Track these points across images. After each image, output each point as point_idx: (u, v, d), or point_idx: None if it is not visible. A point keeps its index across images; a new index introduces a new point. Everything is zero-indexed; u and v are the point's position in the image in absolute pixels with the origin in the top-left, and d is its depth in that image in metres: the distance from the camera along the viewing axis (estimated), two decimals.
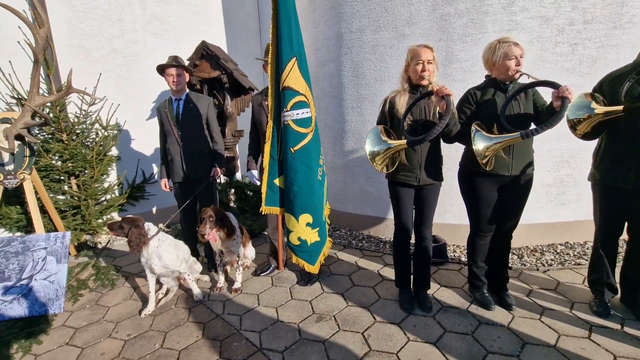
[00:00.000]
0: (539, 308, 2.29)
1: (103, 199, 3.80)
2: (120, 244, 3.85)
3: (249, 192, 4.23)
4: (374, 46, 3.39)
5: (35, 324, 2.39)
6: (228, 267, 3.02)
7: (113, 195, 3.94)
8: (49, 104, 3.31)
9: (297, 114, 1.90)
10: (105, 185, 3.79)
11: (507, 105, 1.96)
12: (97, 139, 3.76)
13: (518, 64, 1.94)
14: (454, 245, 3.36)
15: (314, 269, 2.16)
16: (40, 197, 2.95)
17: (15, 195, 3.43)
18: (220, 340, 2.16)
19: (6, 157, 2.59)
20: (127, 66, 4.15)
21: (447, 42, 3.07)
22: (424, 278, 2.39)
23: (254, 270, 3.06)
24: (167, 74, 2.81)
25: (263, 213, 2.12)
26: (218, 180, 3.12)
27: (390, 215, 3.64)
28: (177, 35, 4.50)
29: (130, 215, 2.43)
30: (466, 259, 2.58)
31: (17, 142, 2.60)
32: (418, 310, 2.32)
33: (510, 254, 2.45)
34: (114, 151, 3.99)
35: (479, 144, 1.80)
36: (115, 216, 4.06)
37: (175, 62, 2.82)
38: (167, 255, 2.47)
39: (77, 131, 3.62)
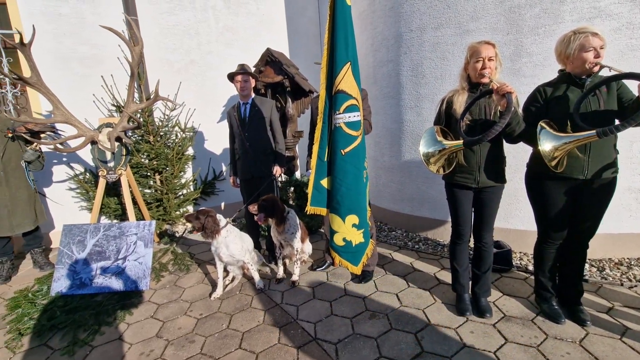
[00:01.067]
0: (620, 327, 2.06)
1: (180, 193, 4.27)
2: (193, 234, 4.31)
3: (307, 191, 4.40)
4: (434, 44, 3.32)
5: (127, 297, 2.81)
6: (287, 260, 3.21)
7: (188, 191, 4.41)
8: (140, 110, 3.84)
9: (349, 117, 1.97)
10: (183, 181, 4.26)
11: (583, 101, 1.80)
12: (176, 140, 4.25)
13: (597, 56, 1.77)
14: (520, 252, 3.14)
15: (357, 269, 2.21)
16: (132, 191, 3.44)
17: (113, 189, 4.04)
18: (279, 327, 2.32)
19: (108, 155, 3.08)
20: (202, 75, 4.60)
21: (516, 35, 2.89)
22: (484, 285, 2.29)
23: (310, 265, 3.20)
24: (235, 80, 3.09)
25: (308, 213, 2.23)
26: (279, 178, 3.33)
27: (449, 218, 3.52)
28: (245, 44, 4.86)
29: (203, 208, 2.73)
30: (533, 268, 2.41)
31: (116, 143, 3.08)
32: (476, 317, 2.24)
33: (586, 265, 2.23)
34: (190, 151, 4.46)
35: (546, 144, 1.68)
36: (190, 209, 4.55)
37: (242, 70, 3.08)
38: (233, 245, 2.73)
39: (161, 133, 4.12)
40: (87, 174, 4.08)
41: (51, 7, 3.76)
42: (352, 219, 2.12)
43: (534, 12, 2.78)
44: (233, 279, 3.01)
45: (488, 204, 2.11)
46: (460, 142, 1.86)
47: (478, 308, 2.26)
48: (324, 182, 2.16)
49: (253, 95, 3.21)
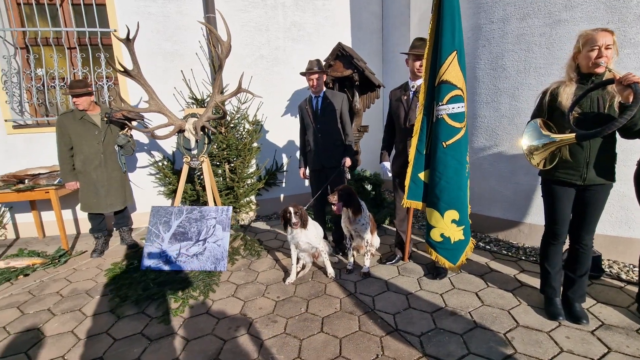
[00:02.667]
0: None
1: (246, 183, 4.46)
2: (258, 223, 4.49)
3: (367, 186, 4.40)
4: (518, 35, 3.15)
5: (208, 276, 3.00)
6: (354, 252, 3.23)
7: (251, 181, 4.58)
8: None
9: (453, 108, 1.93)
10: (250, 170, 4.44)
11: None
12: (243, 133, 4.44)
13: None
14: (609, 260, 2.91)
15: (454, 267, 2.17)
16: (208, 177, 3.65)
17: (188, 176, 4.32)
18: (358, 316, 2.36)
19: (192, 143, 3.30)
20: (269, 69, 4.76)
21: (619, 24, 2.66)
22: (579, 289, 2.15)
23: (378, 259, 3.21)
24: (308, 77, 3.16)
25: (404, 206, 2.22)
26: (347, 170, 3.36)
27: (526, 220, 3.35)
28: (311, 39, 4.94)
29: (292, 203, 2.84)
30: (627, 277, 2.22)
31: (200, 132, 3.29)
32: (570, 323, 2.11)
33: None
34: (255, 143, 4.64)
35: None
36: (253, 199, 4.73)
37: (317, 67, 3.14)
38: (311, 232, 2.81)
39: (232, 125, 4.33)
40: (165, 161, 4.40)
41: (142, 6, 4.09)
42: (452, 214, 2.08)
43: None
44: (304, 266, 3.10)
45: (593, 203, 1.97)
46: (572, 135, 1.76)
47: (572, 314, 2.13)
48: (422, 175, 2.15)
49: (324, 89, 3.27)
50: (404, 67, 5.55)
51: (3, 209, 4.15)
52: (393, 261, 3.07)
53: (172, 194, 4.33)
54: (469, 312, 2.30)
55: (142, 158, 4.42)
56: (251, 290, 2.80)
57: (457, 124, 1.96)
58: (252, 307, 2.54)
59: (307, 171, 3.47)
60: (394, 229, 3.22)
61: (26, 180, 3.46)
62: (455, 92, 1.92)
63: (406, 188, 2.19)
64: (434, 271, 2.80)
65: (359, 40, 5.40)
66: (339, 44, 3.85)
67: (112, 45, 4.13)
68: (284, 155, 5.05)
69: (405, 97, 2.74)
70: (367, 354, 1.97)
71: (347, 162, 3.18)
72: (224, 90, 4.24)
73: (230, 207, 3.27)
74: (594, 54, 1.84)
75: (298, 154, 5.10)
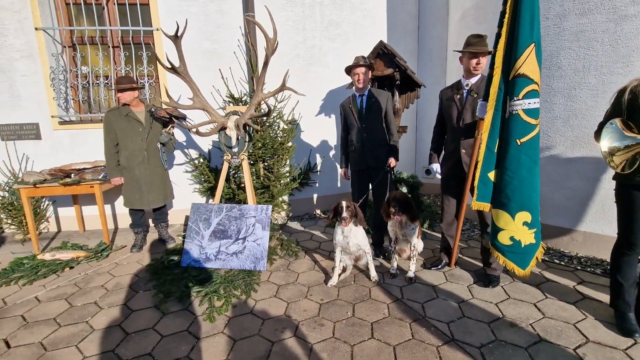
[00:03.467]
0: None
1: (279, 183, 4.43)
2: (291, 223, 4.45)
3: (403, 188, 4.28)
4: (577, 32, 2.98)
5: (248, 275, 2.96)
6: (396, 256, 3.13)
7: (284, 181, 4.54)
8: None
9: (529, 103, 1.82)
10: (284, 170, 4.41)
11: None
12: (278, 131, 4.41)
13: None
14: None
15: (524, 273, 2.04)
16: (248, 176, 3.63)
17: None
18: (409, 323, 2.25)
19: (233, 141, 3.29)
20: (305, 68, 4.72)
21: None
22: None
23: (422, 263, 3.09)
24: (354, 72, 3.08)
25: (474, 209, 2.11)
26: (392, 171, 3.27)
27: (580, 228, 3.15)
28: (347, 38, 4.88)
29: (344, 199, 2.77)
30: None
31: (242, 130, 3.27)
32: None
33: None
34: (289, 143, 4.60)
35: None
36: (286, 198, 4.70)
37: (363, 62, 3.06)
38: (360, 234, 2.73)
39: (267, 124, 4.31)
40: (201, 159, 4.42)
41: (184, 6, 4.13)
42: (524, 216, 1.96)
43: None
44: (344, 269, 3.02)
45: None
46: None
47: None
48: (491, 175, 2.03)
49: (369, 86, 3.19)
50: (440, 66, 5.44)
51: (47, 202, 4.27)
52: (439, 267, 2.94)
53: (207, 191, 4.35)
54: (530, 324, 2.16)
55: (179, 156, 4.46)
56: (293, 291, 2.74)
57: (532, 121, 1.84)
58: (296, 309, 2.48)
59: (349, 171, 3.39)
60: (433, 233, 3.10)
61: (72, 175, 3.54)
62: (531, 87, 1.81)
63: (475, 189, 2.07)
64: (485, 279, 2.67)
65: (394, 40, 5.29)
66: (381, 41, 3.77)
67: (153, 43, 4.19)
68: (317, 156, 5.00)
69: (458, 96, 2.63)
70: None
71: (393, 162, 3.09)
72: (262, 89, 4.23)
73: (270, 207, 3.23)
74: None
75: (331, 154, 5.07)
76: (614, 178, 2.00)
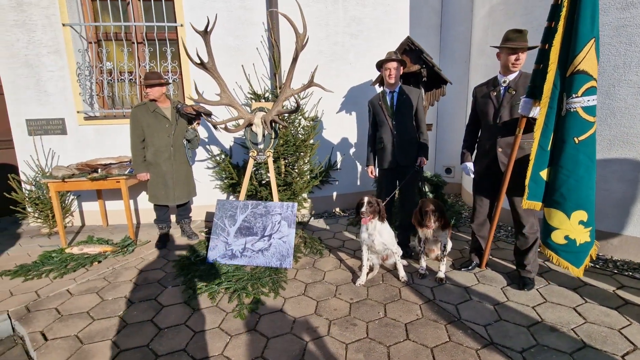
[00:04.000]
0: None
1: (302, 180, 4.40)
2: (312, 220, 4.43)
3: (426, 187, 4.21)
4: (617, 27, 2.87)
5: (274, 272, 2.94)
6: (424, 256, 3.07)
7: (306, 178, 4.50)
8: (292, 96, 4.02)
9: (588, 100, 1.76)
10: (305, 168, 4.38)
11: None
12: (299, 128, 4.38)
13: None
14: None
15: (578, 272, 1.98)
16: (273, 173, 3.61)
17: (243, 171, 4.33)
18: (444, 325, 2.21)
19: (259, 137, 3.27)
20: (327, 65, 4.67)
21: None
22: None
23: (451, 264, 3.03)
24: (385, 67, 3.02)
25: (524, 207, 2.06)
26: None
27: (617, 230, 3.05)
28: (370, 34, 4.81)
29: (367, 196, 2.73)
30: None
31: (269, 127, 3.24)
32: None
33: None
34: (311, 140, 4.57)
35: None
36: (305, 196, 4.67)
37: (395, 57, 3.01)
38: (386, 233, 2.69)
39: (289, 120, 4.29)
40: (223, 155, 4.42)
41: (208, 1, 4.12)
42: (580, 215, 1.90)
43: None
44: (371, 268, 2.98)
45: None
46: None
47: None
48: (544, 174, 1.98)
49: (399, 83, 3.13)
50: (463, 64, 5.33)
51: (72, 197, 4.33)
52: (469, 267, 2.88)
53: (229, 188, 4.35)
54: (572, 329, 2.09)
55: (200, 152, 4.46)
56: (321, 290, 2.71)
57: (590, 118, 1.77)
58: (326, 308, 2.45)
59: (376, 169, 3.34)
60: (458, 233, 3.04)
61: (99, 170, 3.57)
62: (591, 84, 1.74)
63: (526, 188, 2.01)
64: (520, 281, 2.60)
65: (416, 37, 5.16)
66: (408, 37, 3.70)
67: (177, 39, 4.20)
68: (337, 153, 4.96)
69: (495, 93, 2.55)
70: None
71: (424, 162, 3.04)
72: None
73: (296, 204, 3.21)
74: None
75: (352, 151, 5.02)
76: None
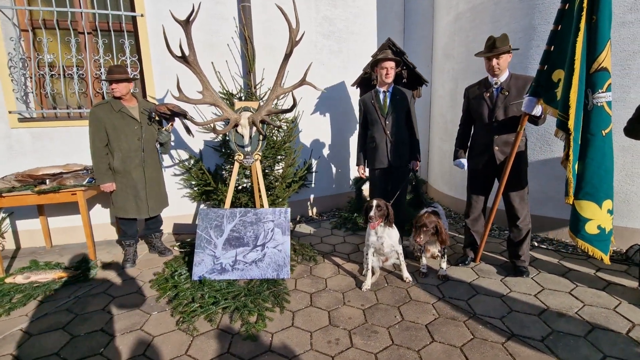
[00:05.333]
0: None
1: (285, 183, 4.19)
2: (300, 226, 4.24)
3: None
4: None
5: (272, 285, 2.72)
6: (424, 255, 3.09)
7: (289, 180, 4.28)
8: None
9: (610, 95, 1.90)
10: (282, 171, 4.17)
11: None
12: (274, 130, 4.17)
13: None
14: None
15: (606, 258, 2.12)
16: (261, 177, 3.36)
17: (218, 176, 3.99)
18: (463, 322, 2.21)
19: (247, 139, 3.01)
20: (300, 65, 4.52)
21: None
22: None
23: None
24: (381, 67, 2.99)
25: (568, 203, 2.15)
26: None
27: None
28: (340, 35, 4.79)
29: (377, 199, 2.65)
30: None
31: (254, 128, 3.01)
32: None
33: None
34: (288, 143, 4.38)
35: None
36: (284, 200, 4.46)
37: (391, 56, 2.99)
38: (395, 234, 2.64)
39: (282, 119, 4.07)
40: (192, 160, 4.03)
41: None
42: (608, 204, 2.03)
43: None
44: (373, 271, 2.91)
45: None
46: None
47: None
48: (577, 167, 2.08)
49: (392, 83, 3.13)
50: (425, 67, 5.57)
51: (2, 215, 3.58)
52: (466, 262, 2.96)
53: (200, 196, 3.97)
54: (576, 313, 2.23)
55: (165, 157, 4.01)
56: (328, 298, 2.57)
57: (611, 112, 1.92)
58: (340, 318, 2.32)
59: (366, 169, 3.30)
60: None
61: (47, 181, 2.99)
62: (610, 80, 1.88)
63: (571, 185, 2.09)
64: (516, 271, 2.73)
65: (383, 39, 5.32)
66: (389, 39, 3.73)
67: (135, 31, 3.72)
68: (312, 155, 4.83)
69: (488, 94, 2.66)
70: None
71: (417, 165, 3.09)
72: (260, 85, 3.99)
73: (289, 209, 3.02)
74: None
75: (326, 153, 4.93)
76: None
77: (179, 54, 2.62)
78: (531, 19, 3.46)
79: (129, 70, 3.74)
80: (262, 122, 2.97)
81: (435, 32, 5.34)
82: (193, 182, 3.98)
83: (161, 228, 3.44)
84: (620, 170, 3.07)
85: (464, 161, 2.89)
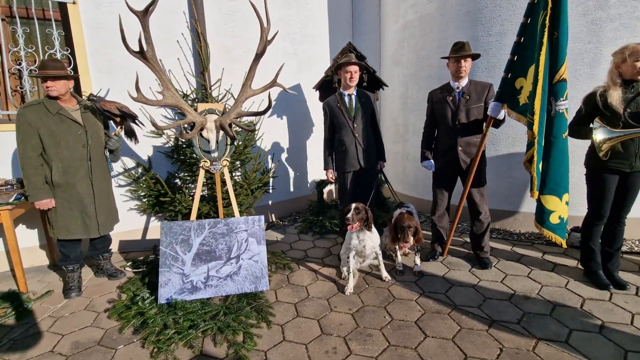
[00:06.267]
0: None
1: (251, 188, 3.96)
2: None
3: None
4: None
5: (251, 298, 2.56)
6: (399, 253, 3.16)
7: (255, 186, 4.05)
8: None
9: (567, 103, 2.14)
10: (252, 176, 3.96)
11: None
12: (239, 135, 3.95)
13: None
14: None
15: (564, 243, 2.38)
16: (230, 184, 3.13)
17: (172, 185, 3.64)
18: (447, 314, 2.33)
19: (213, 144, 2.78)
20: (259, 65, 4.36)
21: (596, 44, 3.29)
22: (616, 261, 2.56)
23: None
24: (346, 70, 3.02)
25: (534, 198, 2.36)
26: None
27: (521, 209, 3.82)
28: (294, 37, 4.74)
29: (356, 203, 2.64)
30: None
31: (221, 132, 2.80)
32: (616, 290, 2.48)
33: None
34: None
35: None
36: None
37: (355, 60, 3.03)
38: (375, 237, 2.67)
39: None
40: (140, 168, 3.61)
41: None
42: (566, 196, 2.28)
43: (614, 25, 3.21)
44: (353, 273, 2.92)
45: (635, 187, 2.38)
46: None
47: (615, 282, 2.51)
48: (541, 166, 2.29)
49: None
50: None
51: None
52: (435, 257, 3.13)
53: (151, 208, 3.57)
54: (538, 294, 2.51)
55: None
56: (314, 307, 2.50)
57: (568, 117, 2.18)
58: (331, 325, 2.28)
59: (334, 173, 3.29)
60: None
61: None
62: (567, 90, 2.14)
63: (535, 181, 2.30)
64: (480, 262, 2.97)
65: (334, 42, 5.41)
66: (349, 43, 3.79)
67: (65, 20, 3.20)
68: (270, 160, 4.68)
69: (451, 98, 2.85)
70: (491, 350, 1.96)
71: (382, 164, 3.18)
72: (218, 85, 3.74)
73: (262, 217, 2.86)
74: (639, 64, 2.22)
75: (284, 157, 4.83)
76: (587, 165, 2.51)
77: (134, 49, 2.30)
78: (475, 31, 3.81)
79: None
80: (231, 125, 2.77)
81: (383, 39, 5.58)
82: (142, 193, 3.56)
83: (110, 248, 3.00)
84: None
85: (432, 162, 3.05)
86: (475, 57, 2.80)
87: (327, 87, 4.20)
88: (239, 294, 2.62)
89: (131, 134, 2.84)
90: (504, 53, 3.66)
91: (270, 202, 4.74)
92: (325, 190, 4.86)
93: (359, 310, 2.44)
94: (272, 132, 4.64)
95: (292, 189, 5.02)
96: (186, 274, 2.60)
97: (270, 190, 4.65)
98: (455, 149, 2.84)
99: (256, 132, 4.05)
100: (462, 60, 2.76)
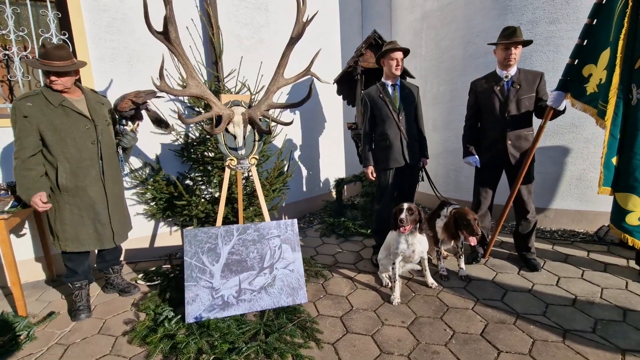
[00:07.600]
0: None
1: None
2: None
3: None
4: (547, 37, 3.45)
5: (290, 313, 2.28)
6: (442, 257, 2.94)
7: (278, 186, 3.75)
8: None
9: None
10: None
11: None
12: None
13: None
14: None
15: None
16: (259, 184, 2.82)
17: (187, 187, 3.30)
18: (512, 324, 2.12)
19: (240, 140, 2.47)
20: (270, 57, 4.05)
21: None
22: None
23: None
24: (391, 58, 2.75)
25: (599, 194, 2.13)
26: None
27: (552, 206, 3.68)
28: (309, 29, 4.43)
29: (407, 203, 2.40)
30: None
31: (249, 127, 2.50)
32: None
33: None
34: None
35: None
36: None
37: (400, 46, 2.77)
38: (424, 241, 2.44)
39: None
40: (148, 169, 3.25)
41: None
42: None
43: None
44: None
45: None
46: None
47: None
48: (614, 160, 2.07)
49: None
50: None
51: None
52: (477, 259, 2.93)
53: (161, 213, 3.22)
54: (602, 298, 2.33)
55: None
56: (363, 320, 2.24)
57: None
58: (389, 342, 2.02)
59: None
60: None
61: None
62: None
63: (601, 175, 2.09)
64: (528, 264, 2.78)
65: (344, 34, 5.16)
66: (374, 31, 3.53)
67: (61, 2, 2.81)
68: (287, 157, 4.38)
69: (499, 88, 2.64)
70: None
71: (426, 161, 2.95)
72: (236, 76, 3.43)
73: (295, 220, 2.58)
74: None
75: (297, 155, 4.53)
76: None
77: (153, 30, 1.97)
78: (504, 20, 3.63)
79: None
80: (261, 119, 2.47)
81: (395, 31, 5.36)
82: (151, 196, 3.21)
83: (121, 260, 2.65)
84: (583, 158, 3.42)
85: (477, 157, 2.83)
86: (527, 43, 2.58)
87: (346, 80, 3.94)
88: (276, 308, 2.33)
89: (160, 122, 2.48)
90: (536, 43, 3.48)
91: (283, 203, 4.44)
92: (344, 189, 4.60)
93: (413, 322, 2.20)
94: (283, 129, 4.33)
95: (304, 189, 4.74)
96: (216, 287, 2.29)
97: (285, 190, 4.36)
98: (504, 142, 2.64)
99: (276, 128, 3.75)
100: (513, 47, 2.54)
